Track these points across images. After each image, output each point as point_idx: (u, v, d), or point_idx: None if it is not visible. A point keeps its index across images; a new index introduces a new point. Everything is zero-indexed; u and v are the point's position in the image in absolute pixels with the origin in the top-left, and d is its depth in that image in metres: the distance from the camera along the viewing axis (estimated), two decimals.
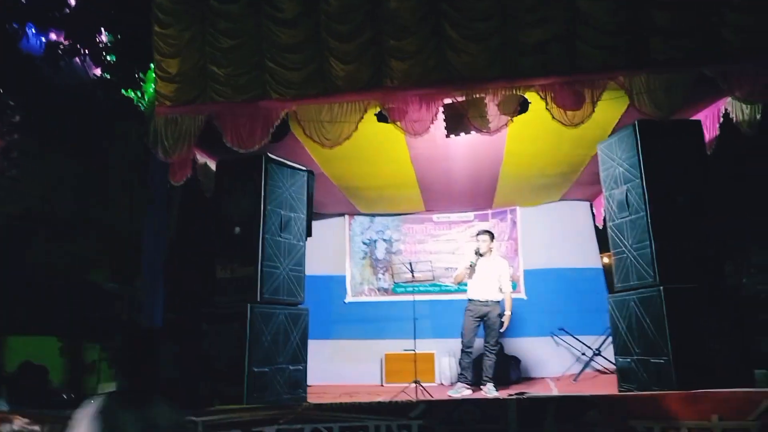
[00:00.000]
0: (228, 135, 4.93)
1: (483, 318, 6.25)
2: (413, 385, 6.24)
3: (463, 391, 6.19)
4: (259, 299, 5.14)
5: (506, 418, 4.17)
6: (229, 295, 5.22)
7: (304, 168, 5.87)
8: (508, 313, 6.29)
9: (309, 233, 5.92)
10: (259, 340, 5.07)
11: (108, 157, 7.24)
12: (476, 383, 6.36)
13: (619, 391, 5.11)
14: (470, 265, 6.39)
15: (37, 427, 3.88)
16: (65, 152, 7.47)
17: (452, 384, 7.31)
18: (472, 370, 6.31)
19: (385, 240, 8.67)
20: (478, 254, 6.34)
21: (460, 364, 6.56)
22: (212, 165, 5.81)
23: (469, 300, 6.38)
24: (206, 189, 5.70)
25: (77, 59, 8.08)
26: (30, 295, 7.58)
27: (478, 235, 6.57)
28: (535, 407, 4.23)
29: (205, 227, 5.55)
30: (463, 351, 6.38)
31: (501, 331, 6.37)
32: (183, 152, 5.00)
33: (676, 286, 4.59)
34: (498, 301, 6.30)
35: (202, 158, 5.75)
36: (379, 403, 4.44)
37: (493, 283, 6.31)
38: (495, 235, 8.32)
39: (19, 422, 3.92)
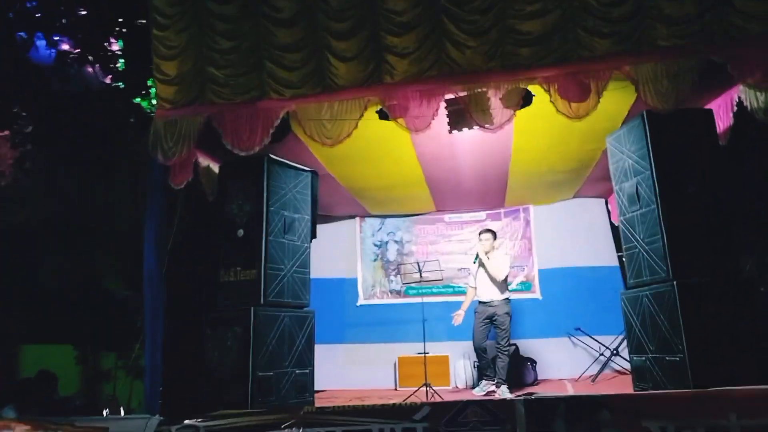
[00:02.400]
0: (228, 136, 4.90)
1: (491, 319, 6.13)
2: (425, 388, 6.14)
3: (488, 388, 6.15)
4: (262, 302, 5.08)
5: (514, 419, 4.04)
6: (232, 298, 5.17)
7: (307, 168, 5.81)
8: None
9: (314, 235, 5.86)
10: (263, 344, 5.01)
11: (117, 165, 7.28)
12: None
13: (635, 390, 4.94)
14: (472, 284, 6.43)
15: None
16: (75, 162, 7.53)
17: (468, 387, 7.21)
18: (493, 368, 6.20)
19: (396, 241, 8.57)
20: (477, 260, 6.25)
21: (478, 366, 6.47)
22: (215, 168, 5.78)
23: (478, 302, 6.28)
24: (209, 192, 5.67)
25: (88, 68, 8.15)
26: (45, 303, 7.65)
27: (480, 234, 6.45)
28: (544, 408, 4.08)
29: (208, 231, 5.51)
30: (476, 352, 6.34)
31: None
32: (183, 154, 4.97)
33: (690, 280, 4.41)
34: (504, 299, 6.16)
35: (204, 161, 5.73)
36: (383, 406, 4.33)
37: (498, 282, 6.19)
38: (508, 234, 8.27)
39: (20, 429, 3.91)
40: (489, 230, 6.48)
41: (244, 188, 5.34)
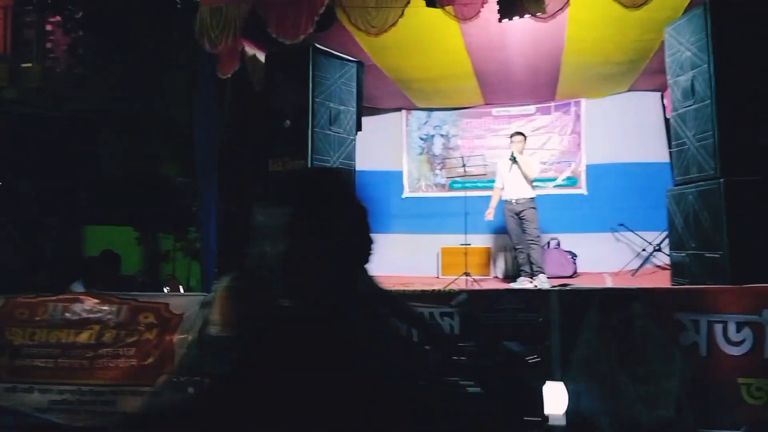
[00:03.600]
0: (272, 25, 4.88)
1: (518, 215, 6.23)
2: (465, 277, 6.38)
3: (525, 284, 6.32)
4: None
5: (548, 308, 4.19)
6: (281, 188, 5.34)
7: (353, 59, 5.76)
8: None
9: (359, 127, 5.91)
10: None
11: (167, 51, 7.34)
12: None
13: (672, 285, 5.01)
14: (498, 185, 6.50)
15: (106, 307, 4.22)
16: (126, 48, 7.62)
17: (508, 278, 7.42)
18: (529, 264, 6.37)
19: (442, 135, 8.54)
20: (513, 160, 6.24)
21: (517, 260, 6.65)
22: (261, 57, 5.79)
23: (505, 201, 6.35)
24: (256, 82, 5.72)
25: None
26: (106, 187, 8.04)
27: (512, 136, 6.41)
28: (578, 299, 4.21)
29: (257, 120, 5.61)
30: (514, 249, 6.51)
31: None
32: (229, 43, 5.00)
33: (739, 178, 4.32)
34: (531, 198, 6.23)
35: (250, 50, 5.73)
36: (423, 291, 4.54)
37: (522, 181, 6.24)
38: (557, 129, 8.13)
39: (89, 303, 4.27)
40: (520, 133, 6.52)
41: (291, 79, 5.36)
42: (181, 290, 6.23)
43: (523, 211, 6.26)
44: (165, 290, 6.08)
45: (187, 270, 6.95)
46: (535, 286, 5.90)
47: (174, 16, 6.45)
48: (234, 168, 5.76)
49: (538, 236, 6.32)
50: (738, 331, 3.67)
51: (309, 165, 5.26)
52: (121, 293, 4.43)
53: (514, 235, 6.38)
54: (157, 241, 7.86)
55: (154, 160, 8.36)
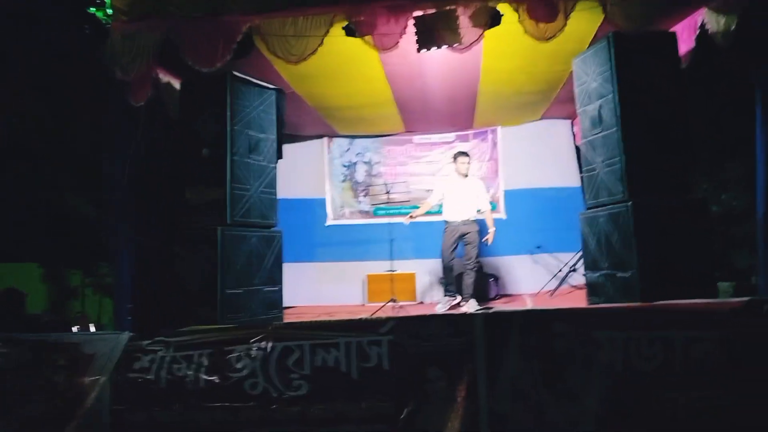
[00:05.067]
0: (188, 52, 4.76)
1: (462, 237, 6.33)
2: (392, 303, 6.38)
3: (450, 304, 6.41)
4: (229, 222, 5.10)
5: (473, 331, 4.22)
6: (199, 217, 5.17)
7: (272, 86, 5.70)
8: (492, 229, 6.38)
9: (280, 155, 5.82)
10: (231, 263, 5.08)
11: (75, 79, 7.00)
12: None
13: (588, 304, 5.19)
14: (432, 201, 6.69)
15: (7, 350, 3.92)
16: (32, 76, 7.23)
17: (434, 303, 7.48)
18: (455, 285, 6.46)
19: (365, 162, 8.59)
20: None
21: (443, 282, 6.73)
22: (176, 85, 5.63)
23: (447, 222, 6.44)
24: (172, 109, 5.55)
25: None
26: (8, 223, 7.54)
27: (458, 156, 6.53)
28: (501, 321, 4.27)
29: (173, 149, 5.43)
30: (444, 269, 6.56)
31: (488, 244, 6.48)
32: (142, 70, 4.83)
33: (645, 201, 4.57)
34: (475, 221, 6.36)
35: (165, 77, 5.57)
36: (349, 320, 4.46)
37: (471, 203, 6.37)
38: (476, 155, 8.36)
39: None
40: (465, 153, 6.63)
41: (208, 106, 5.21)
42: (92, 328, 5.88)
43: (468, 233, 6.34)
44: (74, 329, 5.71)
45: (97, 307, 6.57)
46: (465, 310, 5.98)
47: (81, 43, 6.17)
48: (149, 198, 5.54)
49: (478, 261, 6.44)
50: (650, 346, 3.83)
51: (228, 193, 5.12)
52: (26, 335, 4.14)
53: (448, 256, 6.43)
54: (64, 278, 7.41)
55: (60, 192, 7.90)
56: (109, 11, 5.48)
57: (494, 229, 6.39)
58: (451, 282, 6.54)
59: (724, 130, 5.81)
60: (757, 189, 4.71)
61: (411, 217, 6.56)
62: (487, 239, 6.37)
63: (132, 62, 4.72)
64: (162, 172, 5.52)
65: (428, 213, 6.74)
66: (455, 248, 6.41)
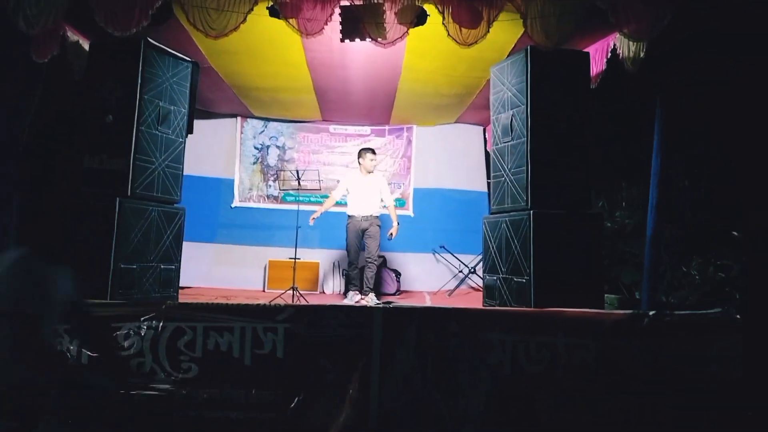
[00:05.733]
0: (101, 12, 4.47)
1: (363, 232, 6.35)
2: (292, 291, 6.32)
3: (355, 298, 6.42)
4: (129, 194, 4.87)
5: (371, 324, 4.25)
6: (96, 186, 4.89)
7: (188, 59, 5.48)
8: (396, 224, 6.44)
9: (190, 130, 5.61)
10: (127, 237, 4.85)
11: None
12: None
13: (484, 305, 5.38)
14: (336, 196, 6.65)
15: None
16: None
17: (335, 293, 7.49)
18: (360, 280, 6.48)
19: (278, 147, 8.45)
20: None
21: (347, 275, 6.74)
22: (85, 45, 5.29)
23: (349, 216, 6.45)
24: (77, 71, 5.21)
25: None
26: None
27: (366, 152, 6.52)
28: (399, 316, 4.33)
29: (74, 112, 5.10)
30: (349, 264, 6.58)
31: (390, 239, 6.54)
32: (48, 25, 4.49)
33: (545, 211, 4.78)
34: (378, 216, 6.41)
35: (73, 36, 5.22)
36: (246, 305, 4.38)
37: (375, 198, 6.41)
38: (390, 151, 8.43)
39: None
40: (372, 150, 6.63)
41: (117, 71, 4.94)
42: None
43: (369, 228, 6.36)
44: None
45: None
46: (365, 303, 6.01)
47: None
48: (43, 161, 5.17)
49: (377, 257, 6.48)
50: (537, 350, 4.02)
51: (131, 164, 4.88)
52: None
53: (353, 250, 6.45)
54: None
55: None
56: None
57: (397, 224, 6.46)
58: (355, 277, 6.57)
59: (625, 152, 6.19)
60: (648, 210, 5.05)
61: (313, 219, 6.49)
62: (391, 234, 6.44)
63: (38, 15, 4.38)
64: (59, 136, 5.17)
65: (338, 204, 6.73)
66: (359, 243, 6.43)
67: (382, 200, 6.49)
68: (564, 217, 4.82)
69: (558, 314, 4.22)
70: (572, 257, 4.78)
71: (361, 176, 6.50)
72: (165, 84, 5.20)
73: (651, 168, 5.29)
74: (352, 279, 6.59)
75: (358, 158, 6.57)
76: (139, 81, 4.92)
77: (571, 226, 4.82)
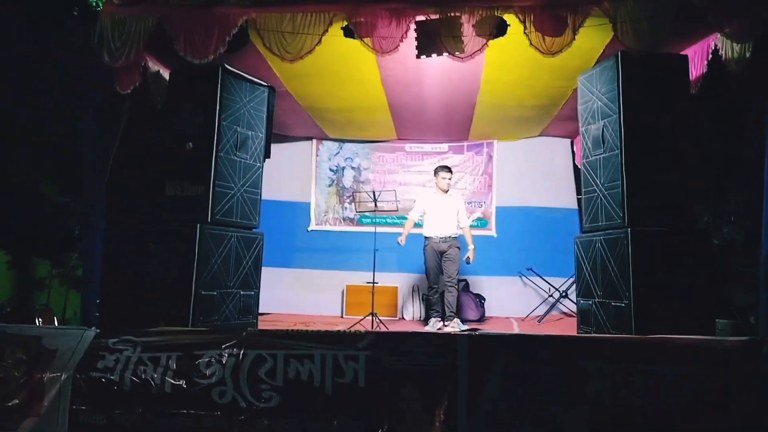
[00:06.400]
0: (180, 42, 4.54)
1: (442, 254, 6.11)
2: (371, 317, 6.14)
3: (437, 325, 6.16)
4: (209, 220, 4.87)
5: (456, 353, 4.03)
6: (178, 213, 4.94)
7: (264, 84, 5.49)
8: (471, 246, 6.18)
9: (267, 154, 5.61)
10: (208, 263, 4.84)
11: (54, 62, 6.69)
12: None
13: (578, 332, 5.01)
14: (413, 217, 6.43)
15: None
16: (9, 55, 6.91)
17: (415, 319, 7.28)
18: (441, 305, 6.23)
19: (353, 168, 8.38)
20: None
21: (428, 300, 6.51)
22: (165, 74, 5.40)
23: (426, 238, 6.23)
24: (158, 100, 5.31)
25: None
26: None
27: (441, 170, 6.31)
28: (487, 344, 4.08)
29: (156, 140, 5.19)
30: (429, 288, 6.35)
31: (468, 263, 6.27)
32: (131, 57, 4.60)
33: (644, 228, 4.40)
34: (456, 237, 6.15)
35: (154, 66, 5.34)
36: (326, 332, 4.26)
37: (452, 219, 6.17)
38: (469, 169, 8.19)
39: None
40: (447, 167, 6.41)
41: (196, 98, 5.01)
42: (56, 322, 5.58)
43: (448, 250, 6.12)
44: (37, 322, 5.42)
45: (63, 300, 6.24)
46: (447, 330, 5.76)
47: (68, 24, 5.88)
48: (126, 190, 5.28)
49: (457, 278, 6.21)
50: (641, 381, 3.65)
51: (210, 190, 4.89)
52: None
53: (432, 273, 6.21)
54: (30, 267, 7.07)
55: (31, 176, 7.55)
56: None
57: (473, 246, 6.18)
58: (436, 302, 6.31)
59: (730, 160, 5.66)
60: (763, 225, 4.54)
61: (402, 239, 6.32)
62: (468, 257, 6.17)
63: (121, 48, 4.52)
64: (142, 164, 5.27)
65: (416, 225, 6.53)
66: (439, 266, 6.18)
67: (458, 224, 6.24)
68: (665, 234, 4.42)
69: (664, 341, 3.85)
70: (676, 278, 4.37)
71: (438, 196, 6.29)
72: (243, 109, 5.22)
73: (763, 178, 4.75)
74: (433, 304, 6.34)
75: (434, 177, 6.37)
76: (218, 107, 4.95)
77: (673, 244, 4.41)
